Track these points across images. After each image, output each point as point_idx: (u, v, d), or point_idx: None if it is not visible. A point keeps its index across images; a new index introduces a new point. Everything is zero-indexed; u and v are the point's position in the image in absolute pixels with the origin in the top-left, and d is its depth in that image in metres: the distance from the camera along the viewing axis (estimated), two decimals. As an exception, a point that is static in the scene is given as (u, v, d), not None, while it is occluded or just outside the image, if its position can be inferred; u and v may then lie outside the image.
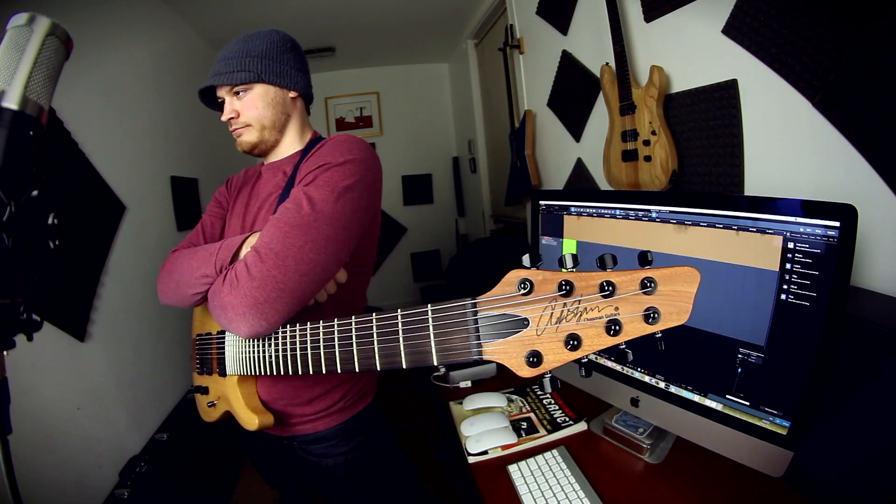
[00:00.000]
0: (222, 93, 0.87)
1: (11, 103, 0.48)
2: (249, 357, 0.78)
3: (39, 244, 0.51)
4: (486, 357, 0.45)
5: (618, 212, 0.94)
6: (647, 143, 1.19)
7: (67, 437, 1.23)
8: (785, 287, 0.69)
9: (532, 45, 2.03)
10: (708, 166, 1.11)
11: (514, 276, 0.44)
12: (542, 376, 0.43)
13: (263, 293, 0.66)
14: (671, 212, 0.84)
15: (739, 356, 0.76)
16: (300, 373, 0.68)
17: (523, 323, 0.43)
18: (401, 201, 3.90)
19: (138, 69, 1.87)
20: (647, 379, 0.92)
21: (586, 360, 0.42)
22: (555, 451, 0.93)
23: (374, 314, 0.57)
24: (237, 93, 0.87)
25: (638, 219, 0.90)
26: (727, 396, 0.79)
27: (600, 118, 1.49)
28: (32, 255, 0.50)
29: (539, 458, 0.92)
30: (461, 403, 1.19)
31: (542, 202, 1.11)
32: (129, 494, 1.35)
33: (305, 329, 0.67)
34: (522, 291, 0.43)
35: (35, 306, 0.50)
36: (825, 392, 0.68)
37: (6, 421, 0.47)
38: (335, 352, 0.61)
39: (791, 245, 0.68)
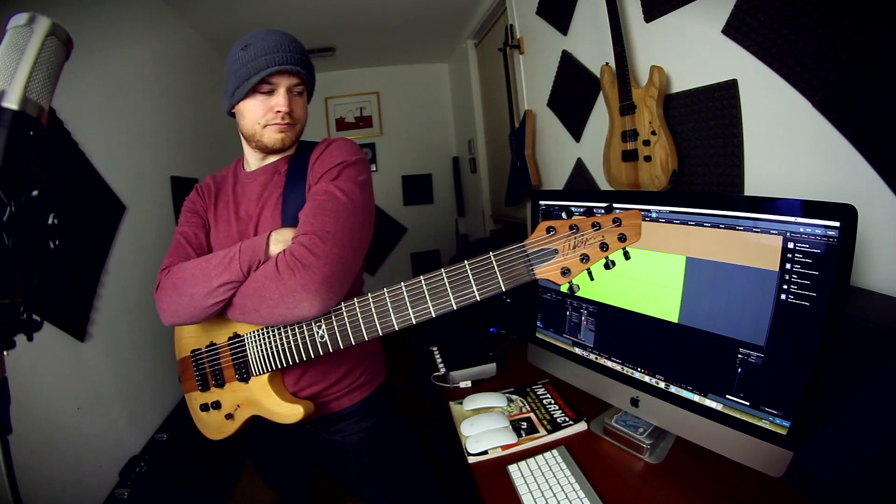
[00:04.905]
0: (285, 81, 0.85)
1: (11, 103, 0.48)
2: (286, 348, 0.80)
3: (39, 244, 0.51)
4: (537, 276, 0.68)
5: (618, 212, 0.94)
6: (647, 143, 1.19)
7: (67, 437, 1.23)
8: (785, 287, 0.69)
9: (532, 45, 2.03)
10: (708, 166, 1.11)
11: (543, 225, 0.67)
12: (570, 284, 0.67)
13: (330, 269, 0.73)
14: (671, 212, 0.84)
15: (739, 356, 0.76)
16: (366, 339, 0.75)
17: (554, 252, 0.67)
18: (401, 201, 3.90)
19: (139, 69, 1.87)
20: (647, 379, 0.92)
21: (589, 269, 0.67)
22: (555, 451, 0.93)
23: (442, 269, 0.71)
24: (298, 90, 0.88)
25: (638, 219, 0.90)
26: (727, 396, 0.79)
27: (600, 118, 1.49)
28: (32, 255, 0.50)
29: (539, 458, 0.92)
30: (461, 403, 1.19)
31: (542, 202, 1.11)
32: (129, 494, 1.35)
33: (366, 299, 0.75)
34: (551, 234, 0.67)
35: (35, 306, 0.50)
36: (825, 392, 0.68)
37: (6, 421, 0.47)
38: (408, 308, 0.72)
39: (791, 245, 0.68)
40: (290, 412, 0.83)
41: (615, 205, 0.66)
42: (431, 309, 0.71)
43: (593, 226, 0.65)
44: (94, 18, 1.55)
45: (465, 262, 0.69)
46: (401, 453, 1.05)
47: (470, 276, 0.69)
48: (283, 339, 0.81)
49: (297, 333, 0.79)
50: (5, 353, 0.47)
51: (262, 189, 0.91)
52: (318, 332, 0.78)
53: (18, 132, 0.49)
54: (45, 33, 0.52)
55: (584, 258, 0.65)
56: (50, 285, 1.25)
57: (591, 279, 0.66)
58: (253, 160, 0.96)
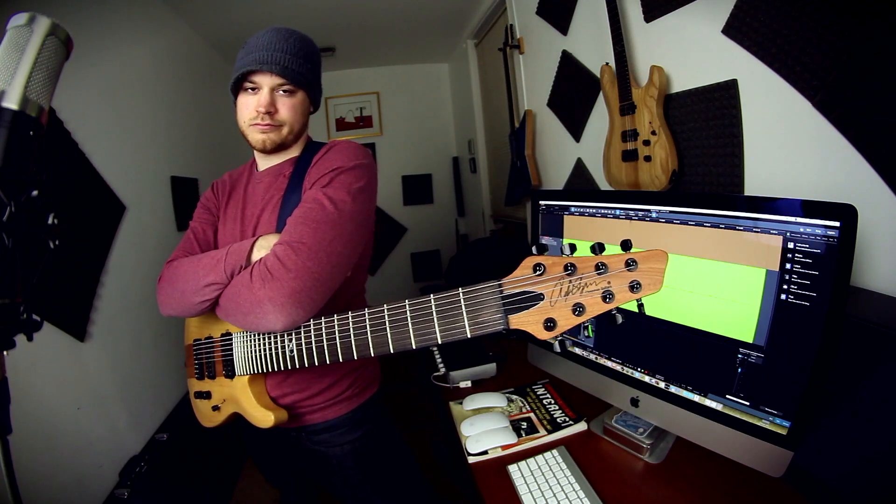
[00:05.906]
0: (266, 80, 0.83)
1: (11, 103, 0.48)
2: (264, 355, 0.79)
3: (39, 244, 0.51)
4: (512, 326, 0.55)
5: (618, 212, 0.94)
6: (647, 143, 1.19)
7: (67, 437, 1.23)
8: (785, 287, 0.69)
9: (532, 45, 2.03)
10: (708, 166, 1.11)
11: (530, 261, 0.55)
12: (555, 338, 0.54)
13: (300, 283, 0.70)
14: (671, 212, 0.84)
15: (739, 356, 0.76)
16: (328, 362, 0.71)
17: (539, 297, 0.54)
18: (401, 201, 3.89)
19: (138, 69, 1.87)
20: (647, 379, 0.92)
21: (589, 323, 0.54)
22: (555, 451, 0.93)
23: (406, 301, 0.63)
24: (286, 90, 0.85)
25: (638, 219, 0.90)
26: (727, 396, 0.79)
27: (600, 118, 1.49)
28: (32, 255, 0.50)
29: (539, 458, 0.92)
30: (461, 403, 1.19)
31: (542, 202, 1.11)
32: (129, 494, 1.35)
33: (332, 320, 0.71)
34: (537, 273, 0.54)
35: (35, 306, 0.50)
36: (825, 392, 0.68)
37: (6, 421, 0.47)
38: (367, 338, 0.67)
39: (791, 245, 0.68)
40: (262, 417, 0.83)
41: (634, 247, 0.51)
42: (391, 344, 0.65)
43: (597, 267, 0.50)
44: (94, 18, 1.55)
45: (431, 295, 0.61)
46: (390, 466, 1.02)
47: (434, 313, 0.61)
48: (261, 346, 0.80)
49: (271, 343, 0.78)
50: (5, 353, 0.47)
51: (266, 191, 0.91)
52: (287, 346, 0.75)
53: (18, 132, 0.49)
54: (45, 33, 0.52)
55: (579, 309, 0.51)
56: (50, 285, 1.25)
57: (588, 335, 0.57)
58: (260, 160, 0.96)
